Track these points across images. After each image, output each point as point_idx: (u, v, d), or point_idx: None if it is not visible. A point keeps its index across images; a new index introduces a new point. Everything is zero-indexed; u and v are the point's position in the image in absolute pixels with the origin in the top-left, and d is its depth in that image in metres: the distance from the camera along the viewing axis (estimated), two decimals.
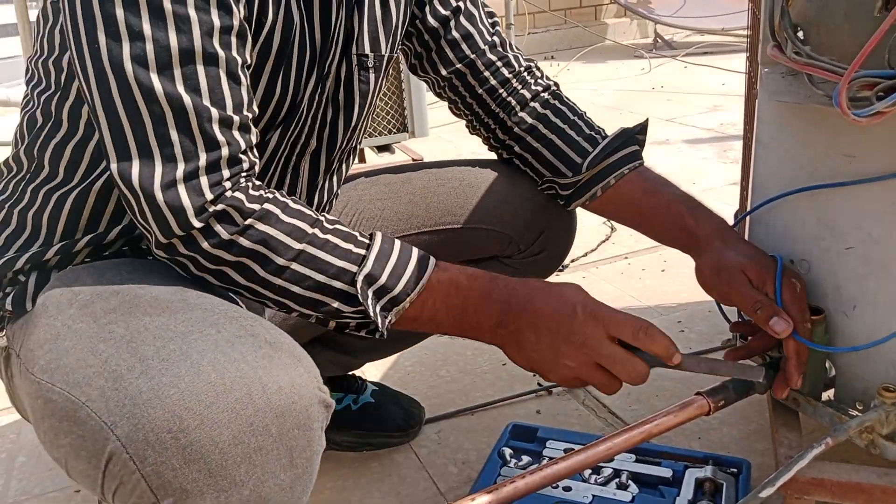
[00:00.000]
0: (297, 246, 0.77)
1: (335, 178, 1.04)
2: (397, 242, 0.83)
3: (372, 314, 0.79)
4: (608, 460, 1.09)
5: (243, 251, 0.75)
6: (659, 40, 4.79)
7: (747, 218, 1.02)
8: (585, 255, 1.86)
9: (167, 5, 0.70)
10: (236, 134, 0.75)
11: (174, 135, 0.72)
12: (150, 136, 0.71)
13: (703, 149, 2.73)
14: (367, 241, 0.81)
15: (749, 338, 0.98)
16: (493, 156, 1.15)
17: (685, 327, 1.49)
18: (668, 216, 1.01)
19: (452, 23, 1.04)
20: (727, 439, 1.18)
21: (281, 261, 0.76)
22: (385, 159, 2.51)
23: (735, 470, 1.07)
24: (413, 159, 2.47)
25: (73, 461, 0.67)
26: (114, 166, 0.72)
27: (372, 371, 1.46)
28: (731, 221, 1.02)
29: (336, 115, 0.96)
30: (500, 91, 1.06)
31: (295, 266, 0.77)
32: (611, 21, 5.49)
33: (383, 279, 0.79)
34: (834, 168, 0.86)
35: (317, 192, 1.00)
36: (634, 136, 1.06)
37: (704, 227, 0.97)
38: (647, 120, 1.09)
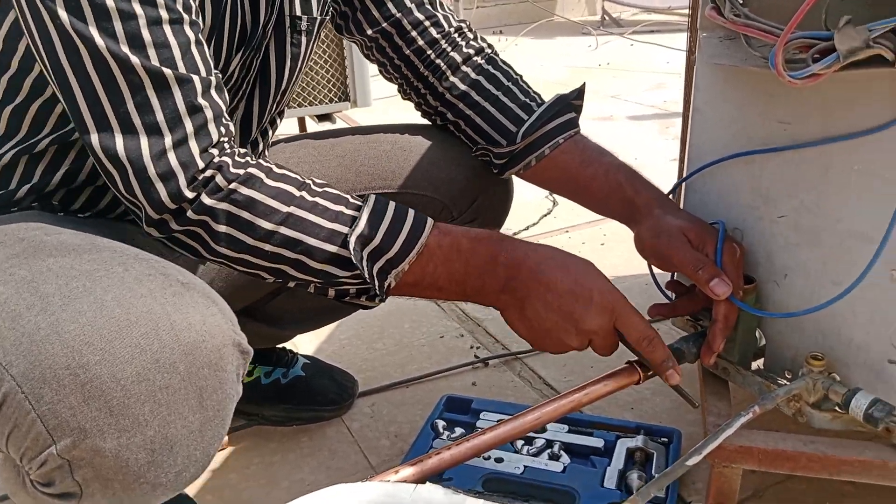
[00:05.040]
0: (285, 209, 0.74)
1: (261, 143, 1.00)
2: (392, 203, 0.79)
3: (368, 277, 0.77)
4: (541, 430, 1.09)
5: (229, 217, 0.73)
6: (607, 17, 4.80)
7: (683, 188, 1.00)
8: (527, 228, 1.84)
9: None
10: (215, 95, 0.74)
11: (156, 103, 0.69)
12: (130, 106, 0.69)
13: (646, 125, 2.73)
14: (359, 203, 0.78)
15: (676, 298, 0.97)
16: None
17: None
18: (606, 186, 0.99)
19: None
20: (659, 409, 1.18)
21: (268, 225, 0.74)
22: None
23: (666, 439, 1.07)
24: None
25: None
26: (94, 140, 0.70)
27: (305, 344, 1.42)
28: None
29: (266, 79, 0.92)
30: (429, 53, 1.02)
31: (283, 230, 0.74)
32: None
33: (378, 240, 0.76)
34: (769, 134, 0.85)
35: None
36: (570, 102, 1.03)
37: (643, 196, 0.96)
38: (584, 85, 1.06)
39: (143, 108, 0.69)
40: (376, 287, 0.77)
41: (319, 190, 0.78)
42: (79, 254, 0.66)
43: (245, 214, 0.73)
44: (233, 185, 0.73)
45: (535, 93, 1.06)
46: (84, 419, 0.58)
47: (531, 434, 1.09)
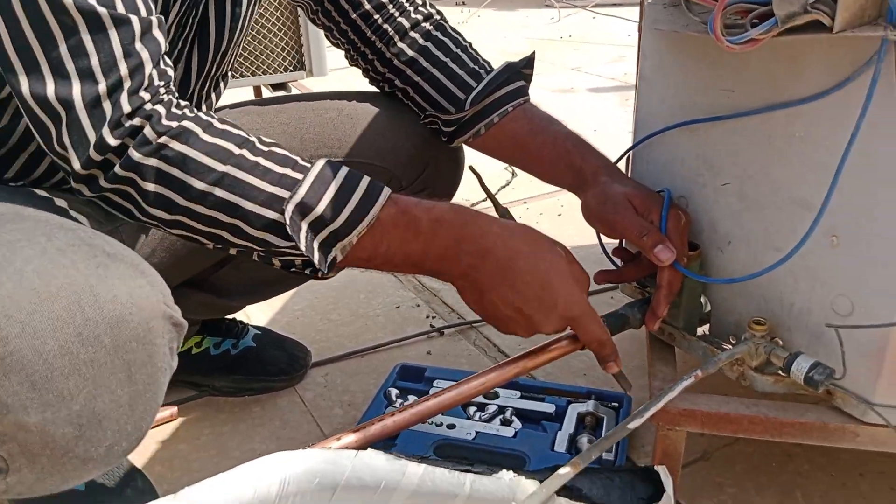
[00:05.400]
0: (221, 168, 0.69)
1: (203, 107, 0.97)
2: (344, 168, 0.74)
3: (305, 249, 0.71)
4: (493, 396, 1.09)
5: (158, 175, 0.68)
6: None
7: (631, 156, 1.01)
8: (485, 199, 1.83)
9: None
10: (157, 35, 0.69)
11: (90, 47, 0.65)
12: (62, 51, 0.64)
13: (606, 97, 2.74)
14: (307, 166, 0.73)
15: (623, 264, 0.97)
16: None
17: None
18: (554, 155, 0.98)
19: None
20: (611, 376, 1.19)
21: (201, 185, 0.69)
22: None
23: (616, 404, 1.08)
24: None
25: None
26: (23, 86, 0.65)
27: (258, 315, 1.41)
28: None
29: (205, 39, 0.89)
30: (376, 17, 1.00)
31: (218, 192, 0.69)
32: None
33: (320, 209, 0.71)
34: (713, 102, 0.86)
35: None
36: (520, 70, 1.03)
37: (590, 164, 0.96)
38: (534, 53, 1.06)
39: (76, 52, 0.65)
40: (316, 260, 0.72)
41: (265, 149, 0.73)
42: (1, 223, 0.63)
43: (176, 172, 0.69)
44: (163, 139, 0.68)
45: (484, 60, 1.05)
46: (5, 393, 0.55)
47: (484, 400, 1.10)
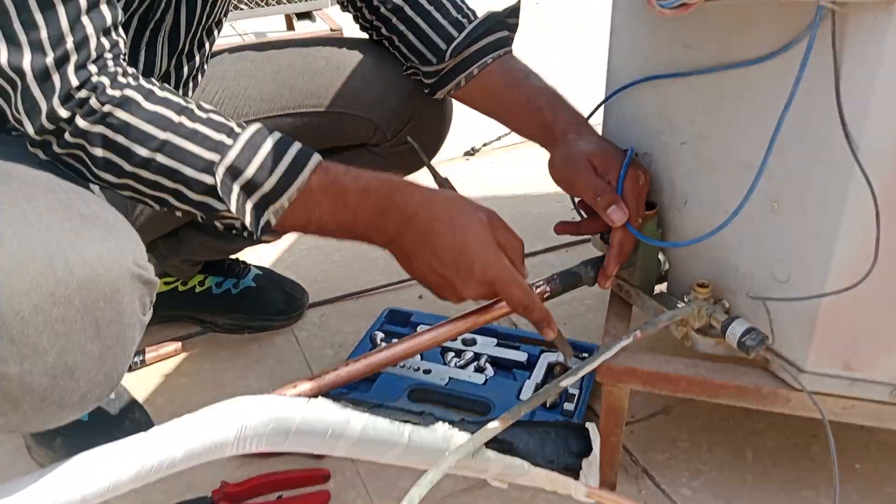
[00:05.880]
0: (161, 136, 0.73)
1: (197, 55, 1.00)
2: (275, 134, 0.77)
3: (235, 209, 0.75)
4: (471, 343, 1.13)
5: (104, 141, 0.73)
6: None
7: (602, 111, 1.00)
8: (499, 138, 1.83)
9: None
10: (104, 8, 0.72)
11: (40, 20, 0.69)
12: (15, 24, 0.68)
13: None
14: (236, 130, 0.76)
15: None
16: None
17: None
18: (528, 110, 0.98)
19: None
20: (591, 325, 1.21)
21: (144, 152, 0.73)
22: (304, 28, 2.42)
23: (587, 355, 1.10)
24: (332, 29, 2.39)
25: None
26: (3, 61, 0.70)
27: (265, 255, 1.47)
28: None
29: None
30: None
31: (160, 158, 0.73)
32: None
33: (249, 172, 0.75)
34: (674, 59, 0.84)
35: (174, 70, 0.97)
36: (503, 20, 1.02)
37: (560, 121, 0.95)
38: (519, 2, 1.04)
39: (27, 24, 0.68)
40: (248, 221, 0.76)
41: (203, 116, 0.75)
42: None
43: (120, 139, 0.72)
44: (107, 108, 0.72)
45: (469, 9, 1.04)
46: None
47: (462, 347, 1.14)
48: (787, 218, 0.75)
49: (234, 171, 0.75)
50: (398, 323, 1.22)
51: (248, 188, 0.76)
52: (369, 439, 0.76)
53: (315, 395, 0.82)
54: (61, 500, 0.66)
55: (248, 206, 0.76)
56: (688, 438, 0.99)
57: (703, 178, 0.84)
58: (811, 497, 0.91)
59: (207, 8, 0.95)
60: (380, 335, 1.18)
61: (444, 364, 1.12)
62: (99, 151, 0.73)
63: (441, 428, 0.78)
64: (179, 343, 1.24)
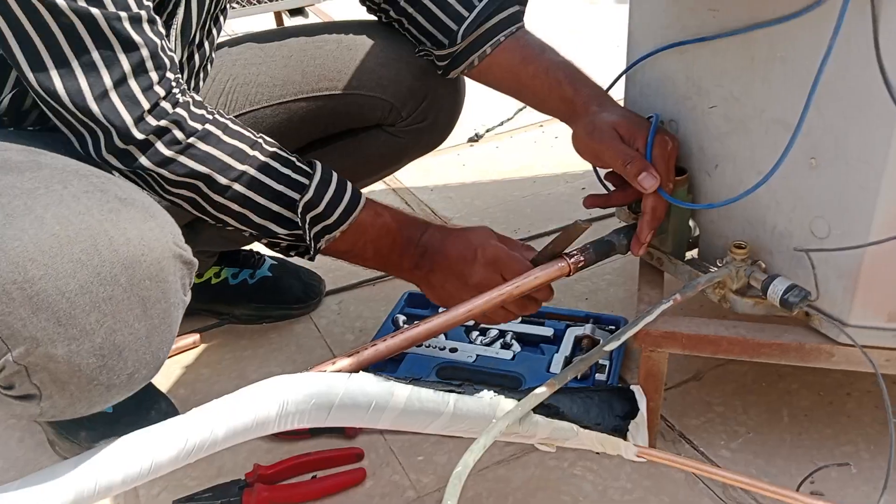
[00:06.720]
0: (240, 167, 0.83)
1: (206, 45, 0.99)
2: (335, 174, 0.88)
3: (308, 240, 0.87)
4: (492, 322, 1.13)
5: (187, 170, 0.80)
6: None
7: (624, 80, 1.00)
8: (501, 123, 1.83)
9: None
10: (147, 30, 0.76)
11: (89, 42, 0.72)
12: (64, 47, 0.72)
13: None
14: (307, 170, 0.87)
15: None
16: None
17: (590, 192, 1.49)
18: (547, 85, 0.98)
19: None
20: (612, 299, 1.21)
21: (223, 181, 0.82)
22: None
23: (613, 327, 1.11)
24: None
25: None
26: (33, 81, 0.73)
27: None
28: None
29: None
30: None
31: (237, 187, 0.83)
32: None
33: (321, 207, 0.86)
34: (700, 23, 0.84)
35: (186, 62, 0.96)
36: None
37: (581, 94, 0.95)
38: None
39: (77, 48, 0.72)
40: (313, 248, 0.88)
41: (270, 150, 0.85)
42: (21, 171, 0.68)
43: (203, 168, 0.81)
44: (191, 140, 0.80)
45: None
46: (35, 329, 0.61)
47: (485, 325, 1.14)
48: (827, 173, 0.75)
49: (309, 206, 0.86)
50: (419, 305, 1.21)
51: (316, 220, 0.87)
52: (414, 409, 0.76)
53: (356, 371, 0.81)
54: (103, 481, 0.66)
55: (312, 233, 0.88)
56: (722, 402, 0.99)
57: (736, 139, 0.84)
58: (851, 451, 0.92)
59: None
60: (402, 318, 1.18)
61: (470, 342, 1.12)
62: (181, 178, 0.80)
63: (487, 395, 0.77)
64: (198, 335, 1.23)
